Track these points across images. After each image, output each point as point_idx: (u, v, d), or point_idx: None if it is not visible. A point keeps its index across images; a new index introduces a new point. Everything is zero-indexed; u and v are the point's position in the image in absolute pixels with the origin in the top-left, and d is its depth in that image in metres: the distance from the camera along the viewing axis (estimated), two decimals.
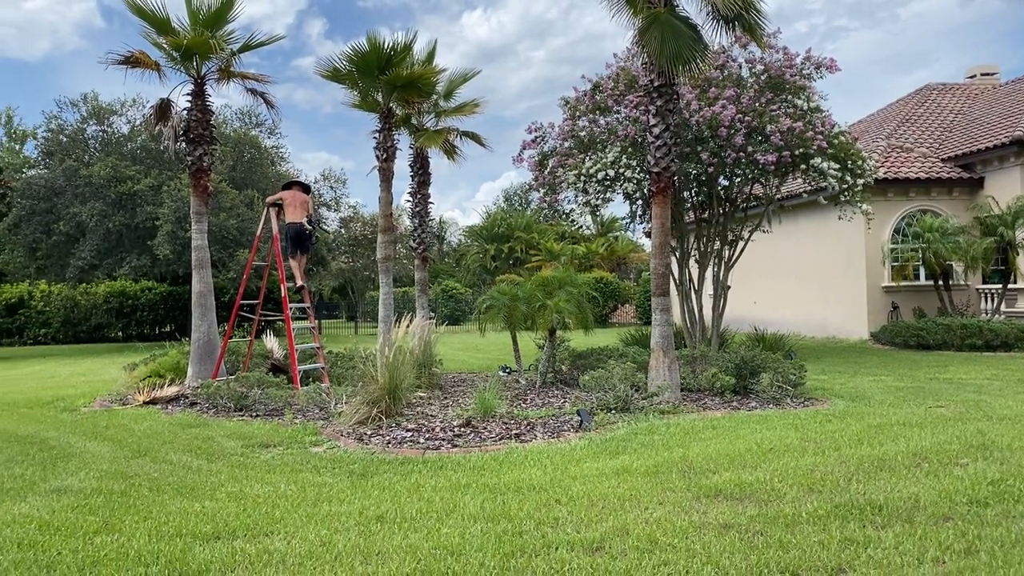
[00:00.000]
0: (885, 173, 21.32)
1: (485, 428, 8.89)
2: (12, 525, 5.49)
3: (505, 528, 5.05)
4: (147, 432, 9.51)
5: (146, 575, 4.40)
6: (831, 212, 18.53)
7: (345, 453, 8.01)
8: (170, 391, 12.41)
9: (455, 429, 8.92)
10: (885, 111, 28.60)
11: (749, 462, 6.67)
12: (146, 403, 12.00)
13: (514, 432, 8.61)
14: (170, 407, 11.67)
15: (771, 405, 10.20)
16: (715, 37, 11.37)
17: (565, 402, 10.87)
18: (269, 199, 13.45)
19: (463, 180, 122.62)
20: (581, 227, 49.69)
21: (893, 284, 21.41)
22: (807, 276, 24.24)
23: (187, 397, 12.25)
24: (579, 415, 8.69)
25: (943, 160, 22.57)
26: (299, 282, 13.10)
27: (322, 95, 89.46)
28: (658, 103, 11.02)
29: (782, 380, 10.93)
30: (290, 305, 12.43)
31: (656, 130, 11.02)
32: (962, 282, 21.43)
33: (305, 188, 13.73)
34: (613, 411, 9.51)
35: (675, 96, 11.20)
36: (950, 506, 5.15)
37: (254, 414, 10.71)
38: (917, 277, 21.63)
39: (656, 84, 10.98)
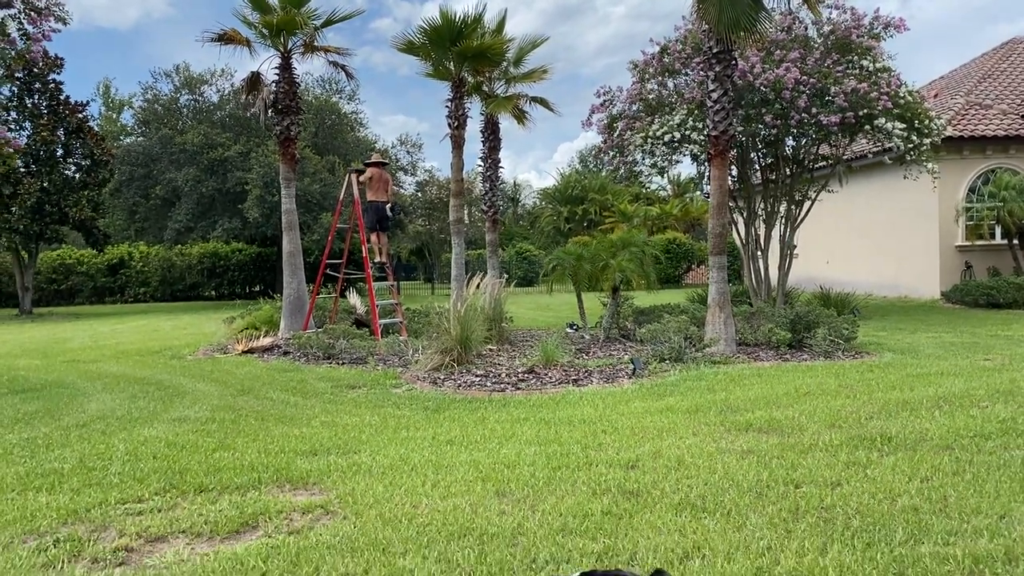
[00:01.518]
0: (961, 131, 21.07)
1: (546, 374, 9.74)
2: (146, 443, 6.60)
3: (555, 450, 5.89)
4: (248, 375, 10.70)
5: (259, 480, 5.40)
6: (902, 172, 18.55)
7: (421, 393, 8.98)
8: (265, 342, 13.66)
9: (519, 375, 9.80)
10: (968, 66, 27.91)
11: (783, 403, 7.33)
12: (244, 352, 13.25)
13: (572, 378, 9.44)
14: (265, 356, 12.89)
15: (822, 358, 10.72)
16: (775, 3, 11.72)
17: (625, 354, 11.61)
18: (358, 176, 14.44)
19: (539, 141, 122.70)
20: (656, 188, 49.67)
21: (967, 243, 21.25)
22: (880, 236, 24.16)
23: (280, 347, 13.46)
24: (632, 363, 9.45)
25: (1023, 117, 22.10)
26: (379, 258, 14.20)
27: (399, 57, 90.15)
28: (716, 69, 11.48)
29: (835, 335, 11.41)
30: (371, 264, 13.52)
31: (715, 95, 11.50)
32: None
33: (385, 166, 14.78)
34: (667, 361, 10.22)
35: (733, 62, 11.66)
36: (955, 439, 5.75)
37: (340, 362, 11.79)
38: (992, 236, 21.38)
39: (715, 51, 11.44)
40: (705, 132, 15.46)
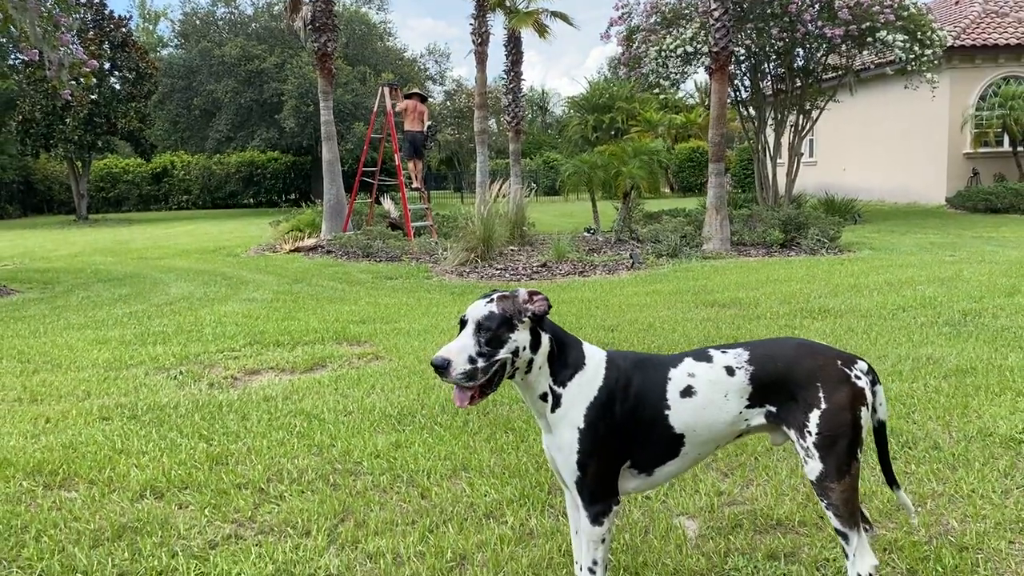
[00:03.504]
0: (974, 40, 21.55)
1: (557, 268, 11.19)
2: (227, 315, 8.18)
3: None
4: (298, 269, 12.29)
5: (323, 338, 6.93)
6: (914, 80, 19.21)
7: (449, 283, 10.48)
8: (309, 242, 15.21)
9: (534, 269, 11.25)
10: None
11: (751, 287, 8.73)
12: (291, 251, 14.83)
13: (579, 271, 10.88)
14: (310, 254, 14.45)
15: (805, 254, 12.01)
16: None
17: (631, 252, 12.99)
18: (391, 90, 15.63)
19: (572, 46, 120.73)
20: (684, 96, 49.78)
21: (972, 151, 22.00)
22: (892, 143, 24.86)
23: (323, 247, 14.99)
24: (632, 257, 10.85)
25: None
26: (416, 183, 15.60)
27: None
28: None
29: (822, 235, 12.66)
30: (407, 188, 14.97)
31: (716, 13, 12.48)
32: None
33: (423, 99, 15.95)
34: (664, 256, 11.60)
35: None
36: (878, 310, 7.12)
37: (378, 259, 13.31)
38: (1000, 144, 22.08)
39: None
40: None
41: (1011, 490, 3.31)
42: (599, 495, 2.26)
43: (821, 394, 2.22)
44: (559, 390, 2.27)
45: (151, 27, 48.54)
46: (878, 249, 12.42)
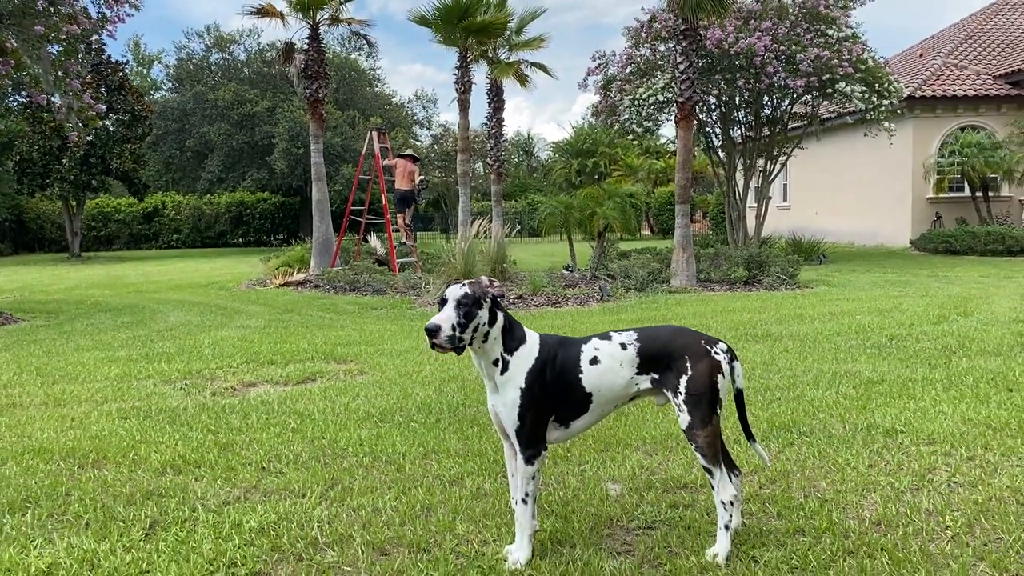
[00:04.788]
0: (934, 91, 22.79)
1: (532, 300, 11.96)
2: (223, 339, 8.88)
3: None
4: (288, 301, 13.01)
5: (312, 357, 7.65)
6: (862, 130, 20.30)
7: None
8: (298, 277, 15.94)
9: (511, 300, 12.00)
10: (956, 26, 29.36)
11: (706, 315, 9.52)
12: (281, 285, 15.55)
13: (552, 302, 11.66)
14: (299, 288, 15.17)
15: (766, 290, 12.85)
16: None
17: (600, 286, 13.79)
18: (379, 134, 16.55)
19: (559, 93, 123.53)
20: (665, 142, 51.15)
21: (934, 196, 23.11)
22: (861, 189, 25.99)
23: (311, 282, 15.71)
24: (600, 290, 11.64)
25: (996, 77, 23.71)
26: (404, 239, 16.49)
27: (417, 4, 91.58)
28: (683, 44, 13.43)
29: (782, 272, 13.52)
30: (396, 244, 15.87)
31: (681, 67, 13.46)
32: (1005, 194, 22.90)
33: (414, 159, 16.89)
34: (632, 291, 12.40)
35: (698, 39, 13.58)
36: (815, 336, 7.90)
37: (364, 292, 14.04)
38: (961, 189, 23.18)
39: (682, 28, 13.38)
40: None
41: (877, 463, 4.07)
42: (532, 441, 3.00)
43: (688, 364, 2.99)
44: (508, 357, 3.03)
45: (144, 71, 49.75)
46: (834, 285, 13.28)
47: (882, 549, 3.04)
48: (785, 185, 30.96)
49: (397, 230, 16.42)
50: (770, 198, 20.20)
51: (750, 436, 3.25)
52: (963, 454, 4.15)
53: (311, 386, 6.43)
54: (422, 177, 16.78)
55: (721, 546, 3.00)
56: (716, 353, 3.06)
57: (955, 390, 5.50)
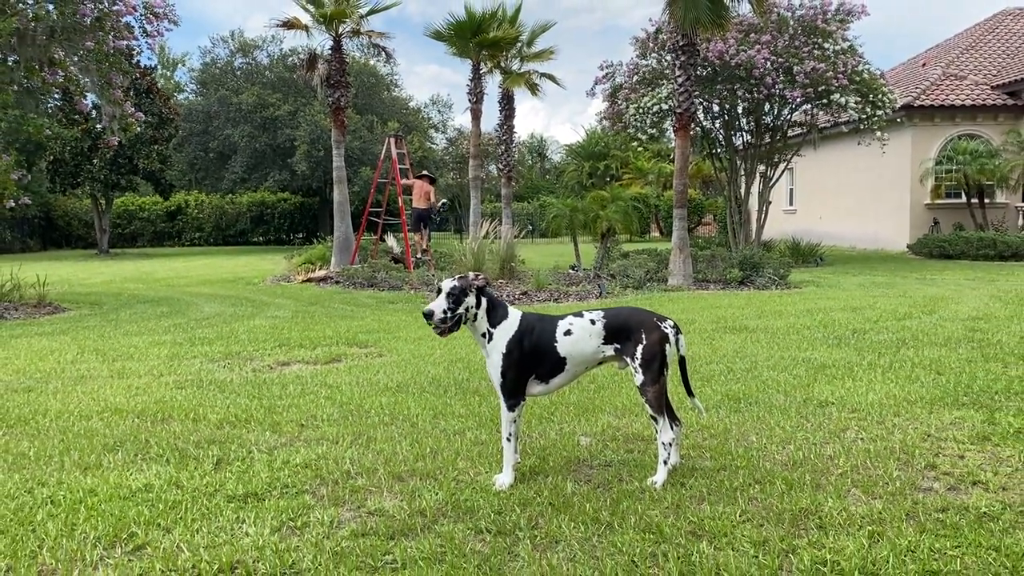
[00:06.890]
0: (933, 101, 23.56)
1: (536, 296, 12.90)
2: (256, 328, 9.86)
3: None
4: (311, 295, 14.01)
5: (337, 342, 8.61)
6: (866, 137, 21.09)
7: None
8: (320, 273, 16.95)
9: (516, 296, 12.95)
10: (959, 36, 30.03)
11: (695, 310, 10.43)
12: (303, 281, 16.55)
13: (554, 298, 12.59)
14: (321, 284, 16.17)
15: (757, 290, 13.72)
16: (733, 5, 14.45)
17: (598, 284, 14.71)
18: (396, 140, 17.54)
19: (574, 96, 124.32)
20: (673, 147, 51.74)
21: (932, 202, 23.86)
22: (862, 195, 26.76)
23: (332, 278, 16.72)
24: (599, 287, 12.56)
25: (994, 87, 24.43)
26: (419, 254, 17.44)
27: (433, 7, 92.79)
28: (682, 58, 14.33)
29: (774, 273, 14.39)
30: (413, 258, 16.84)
31: (680, 79, 14.36)
32: (1000, 200, 23.62)
33: (432, 180, 17.88)
34: (630, 288, 13.31)
35: (697, 53, 14.47)
36: (786, 329, 8.80)
37: (381, 288, 15.03)
38: (958, 196, 23.92)
39: (681, 43, 14.28)
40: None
41: (803, 425, 4.98)
42: (512, 394, 3.95)
43: (643, 336, 3.92)
44: (492, 330, 3.97)
45: (169, 73, 51.09)
46: (822, 286, 14.13)
47: (783, 480, 3.96)
48: (791, 190, 31.74)
49: (415, 246, 17.42)
50: (770, 202, 21.03)
51: (690, 392, 4.20)
52: (874, 419, 5.06)
53: (337, 365, 7.39)
54: (444, 201, 17.76)
55: (659, 476, 3.93)
56: (665, 327, 3.98)
57: (892, 373, 6.39)
